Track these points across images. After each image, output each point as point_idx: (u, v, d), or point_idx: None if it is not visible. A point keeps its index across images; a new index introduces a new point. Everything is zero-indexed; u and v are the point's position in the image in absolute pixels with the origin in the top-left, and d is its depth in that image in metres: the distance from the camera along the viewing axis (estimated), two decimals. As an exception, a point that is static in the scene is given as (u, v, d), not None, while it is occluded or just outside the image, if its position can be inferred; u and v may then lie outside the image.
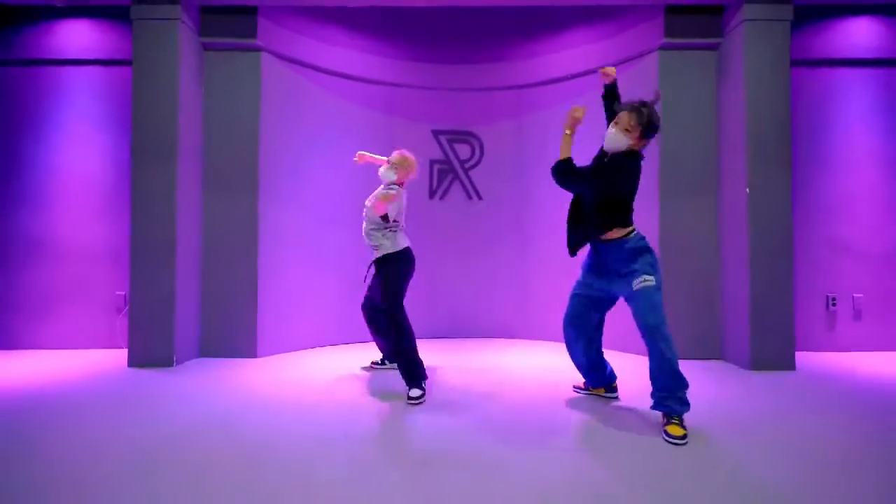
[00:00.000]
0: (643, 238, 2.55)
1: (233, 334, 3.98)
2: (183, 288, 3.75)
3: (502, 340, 4.90)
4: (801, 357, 4.00)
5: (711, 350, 3.99)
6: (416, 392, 2.86)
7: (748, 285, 3.65)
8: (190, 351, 3.86)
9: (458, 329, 5.04)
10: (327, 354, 4.21)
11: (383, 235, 3.11)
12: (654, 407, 2.44)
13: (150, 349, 3.63)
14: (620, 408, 2.77)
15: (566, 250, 2.76)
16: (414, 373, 2.93)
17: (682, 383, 2.40)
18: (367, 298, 3.53)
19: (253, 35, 3.99)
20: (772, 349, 3.62)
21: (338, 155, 4.63)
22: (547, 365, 3.83)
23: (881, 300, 4.33)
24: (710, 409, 2.71)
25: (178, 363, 3.67)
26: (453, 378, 3.39)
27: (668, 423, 2.34)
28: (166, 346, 3.63)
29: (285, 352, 4.24)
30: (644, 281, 2.44)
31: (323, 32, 4.48)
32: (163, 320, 3.64)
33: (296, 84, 4.36)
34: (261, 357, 4.00)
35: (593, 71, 4.56)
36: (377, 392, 3.05)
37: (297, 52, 4.31)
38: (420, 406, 2.77)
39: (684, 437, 2.26)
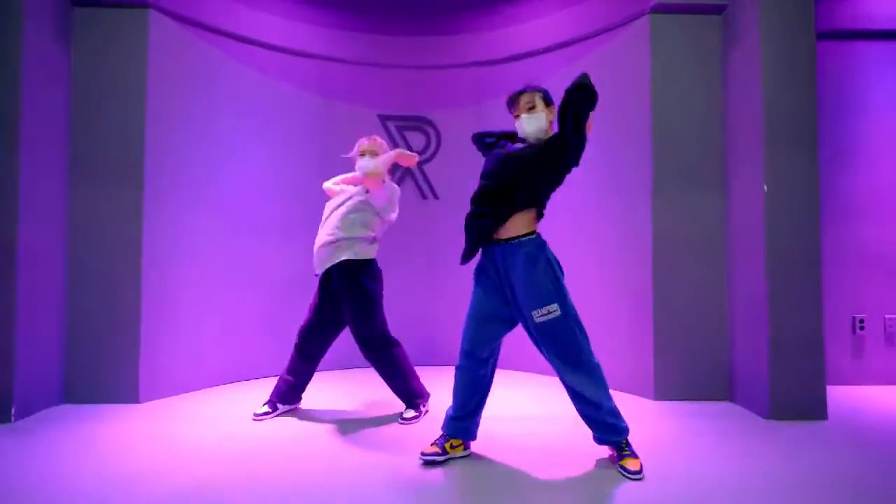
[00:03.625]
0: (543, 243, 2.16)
1: (107, 373, 3.07)
2: (30, 311, 2.82)
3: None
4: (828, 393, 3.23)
5: (716, 389, 3.19)
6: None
7: (766, 306, 2.86)
8: (45, 396, 2.94)
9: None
10: (235, 394, 3.32)
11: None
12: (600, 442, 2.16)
13: (-20, 397, 2.71)
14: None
15: None
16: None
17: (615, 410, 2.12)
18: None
19: (136, -14, 3.11)
20: (798, 392, 2.83)
21: (260, 144, 3.76)
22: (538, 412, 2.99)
23: (917, 322, 3.58)
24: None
25: (20, 416, 2.75)
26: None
27: (622, 456, 2.06)
28: (3, 392, 2.71)
29: (178, 394, 3.32)
30: (548, 312, 2.03)
31: (236, -10, 3.60)
32: (-3, 357, 2.72)
33: (200, 53, 3.47)
34: (144, 402, 3.10)
35: (567, 44, 3.77)
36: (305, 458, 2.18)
37: (200, 11, 3.43)
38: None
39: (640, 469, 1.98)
